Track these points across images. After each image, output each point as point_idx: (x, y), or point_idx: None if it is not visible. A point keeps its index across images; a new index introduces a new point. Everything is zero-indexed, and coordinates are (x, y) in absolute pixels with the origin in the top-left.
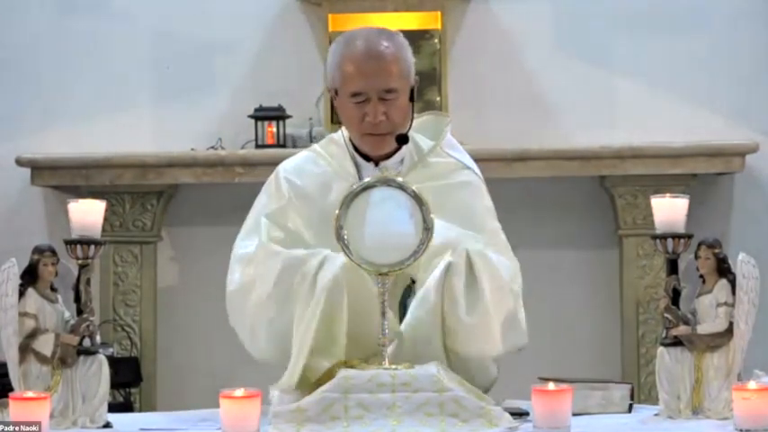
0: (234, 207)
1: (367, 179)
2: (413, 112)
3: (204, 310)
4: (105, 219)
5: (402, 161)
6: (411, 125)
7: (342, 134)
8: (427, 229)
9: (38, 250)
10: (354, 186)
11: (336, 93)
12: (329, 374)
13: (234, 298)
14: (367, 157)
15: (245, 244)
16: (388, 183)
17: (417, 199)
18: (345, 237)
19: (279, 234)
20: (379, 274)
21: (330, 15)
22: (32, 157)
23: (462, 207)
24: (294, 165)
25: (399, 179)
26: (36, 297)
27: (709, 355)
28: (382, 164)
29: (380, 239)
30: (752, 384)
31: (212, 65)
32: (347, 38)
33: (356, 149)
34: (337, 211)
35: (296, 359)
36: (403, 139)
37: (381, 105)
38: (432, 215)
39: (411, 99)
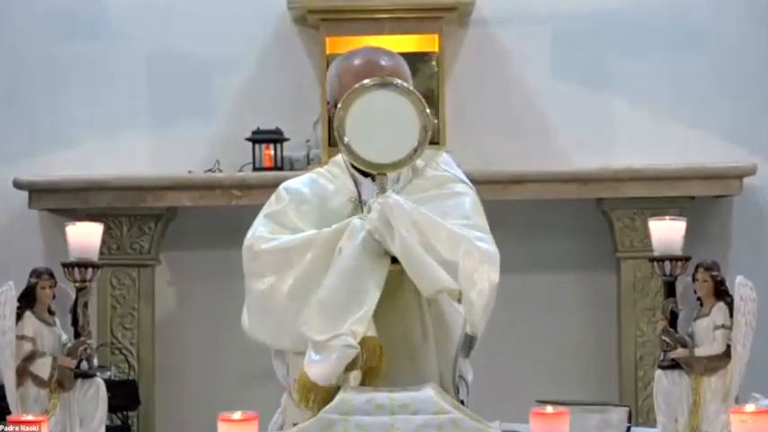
0: (232, 230)
1: (366, 80)
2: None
3: (202, 333)
4: (103, 242)
5: (399, 178)
6: None
7: (342, 156)
8: (425, 129)
9: (35, 273)
10: (354, 87)
11: (336, 106)
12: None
13: (258, 302)
14: (365, 174)
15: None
16: (386, 85)
17: (416, 100)
18: (345, 137)
19: (280, 230)
20: (378, 174)
21: (327, 38)
22: (30, 179)
23: (454, 205)
24: (295, 180)
25: (398, 81)
26: (34, 320)
27: (707, 378)
28: (380, 177)
29: (380, 139)
30: (749, 407)
31: (210, 88)
32: (347, 54)
33: (354, 167)
34: (338, 112)
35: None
36: None
37: None
38: (428, 112)
39: None
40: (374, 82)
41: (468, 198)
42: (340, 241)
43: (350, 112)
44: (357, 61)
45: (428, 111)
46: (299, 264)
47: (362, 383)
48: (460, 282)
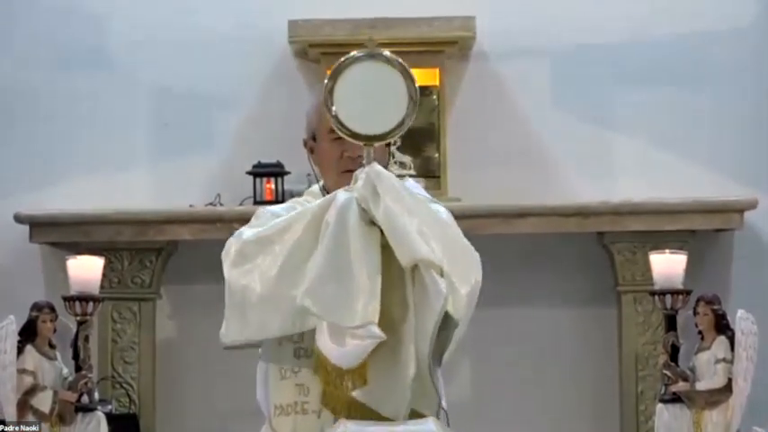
0: None
1: (354, 52)
2: (389, 156)
3: (203, 367)
4: (104, 275)
5: None
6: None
7: (318, 186)
8: (413, 100)
9: (36, 307)
10: (342, 59)
11: (314, 139)
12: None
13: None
14: None
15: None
16: (375, 56)
17: (404, 72)
18: (334, 108)
19: None
20: (365, 145)
21: (328, 72)
22: (31, 213)
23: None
24: (274, 206)
25: (387, 53)
26: (35, 354)
27: (708, 412)
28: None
29: (368, 110)
30: None
31: (210, 122)
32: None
33: None
34: (326, 82)
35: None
36: None
37: None
38: (416, 85)
39: (387, 144)
40: (363, 53)
41: (443, 210)
42: (326, 214)
43: (338, 82)
44: None
45: (416, 83)
46: (289, 240)
47: None
48: (444, 265)
